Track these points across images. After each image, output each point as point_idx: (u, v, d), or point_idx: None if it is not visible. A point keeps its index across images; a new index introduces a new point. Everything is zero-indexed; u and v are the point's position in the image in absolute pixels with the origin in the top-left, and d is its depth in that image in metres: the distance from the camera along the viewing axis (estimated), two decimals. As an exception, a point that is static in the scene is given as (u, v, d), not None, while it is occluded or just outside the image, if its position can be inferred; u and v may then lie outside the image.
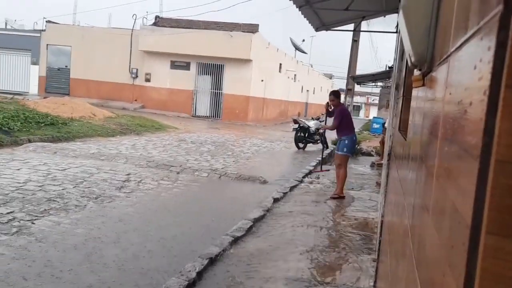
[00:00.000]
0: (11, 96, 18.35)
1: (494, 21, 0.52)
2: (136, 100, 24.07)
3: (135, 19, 23.78)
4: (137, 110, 22.16)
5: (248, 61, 22.34)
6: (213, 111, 23.64)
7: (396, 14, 7.17)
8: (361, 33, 15.73)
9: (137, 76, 24.08)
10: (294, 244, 4.80)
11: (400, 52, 3.96)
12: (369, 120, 34.44)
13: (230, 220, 5.62)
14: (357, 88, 28.91)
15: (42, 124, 11.82)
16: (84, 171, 7.55)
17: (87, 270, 3.80)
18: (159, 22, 23.93)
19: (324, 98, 10.70)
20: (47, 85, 25.27)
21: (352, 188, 8.20)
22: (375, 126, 22.26)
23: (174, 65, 23.57)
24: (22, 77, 27.15)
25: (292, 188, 7.81)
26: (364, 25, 14.15)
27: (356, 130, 7.91)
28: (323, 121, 11.40)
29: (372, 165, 11.71)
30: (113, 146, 10.80)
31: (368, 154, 14.29)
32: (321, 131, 11.89)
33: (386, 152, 4.54)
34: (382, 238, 3.19)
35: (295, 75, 31.78)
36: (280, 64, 27.74)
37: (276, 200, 6.77)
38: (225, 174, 8.58)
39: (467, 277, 0.54)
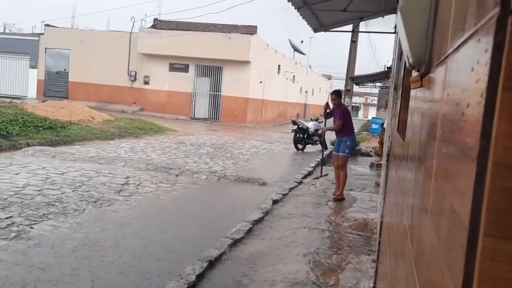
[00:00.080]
0: (9, 100, 18.33)
1: (491, 23, 0.52)
2: (135, 103, 24.06)
3: (134, 22, 23.89)
4: (136, 113, 22.16)
5: (246, 62, 22.36)
6: (212, 113, 23.64)
7: (394, 14, 7.18)
8: (359, 34, 15.74)
9: (135, 79, 24.10)
10: (294, 245, 4.80)
11: (399, 52, 3.97)
12: (368, 120, 34.49)
13: (230, 222, 5.61)
14: (356, 88, 28.96)
15: (41, 128, 11.81)
16: (83, 175, 7.54)
17: (86, 274, 3.80)
18: (158, 24, 23.94)
19: (323, 99, 10.67)
20: (45, 89, 25.28)
21: (352, 189, 8.19)
22: (374, 126, 22.25)
23: (172, 68, 23.58)
24: (21, 81, 27.09)
25: (291, 190, 7.81)
26: (362, 25, 14.15)
27: (355, 130, 7.90)
28: (322, 122, 11.36)
29: (371, 166, 11.71)
30: (112, 149, 10.79)
31: (367, 154, 14.27)
32: (320, 132, 11.86)
33: (385, 153, 4.54)
34: (382, 239, 3.19)
35: (293, 76, 31.79)
36: (279, 66, 27.76)
37: (275, 202, 6.77)
38: (224, 176, 8.57)
39: (465, 279, 0.54)
